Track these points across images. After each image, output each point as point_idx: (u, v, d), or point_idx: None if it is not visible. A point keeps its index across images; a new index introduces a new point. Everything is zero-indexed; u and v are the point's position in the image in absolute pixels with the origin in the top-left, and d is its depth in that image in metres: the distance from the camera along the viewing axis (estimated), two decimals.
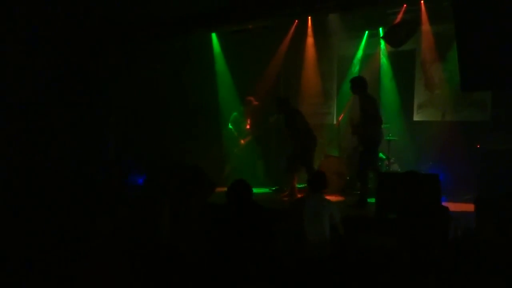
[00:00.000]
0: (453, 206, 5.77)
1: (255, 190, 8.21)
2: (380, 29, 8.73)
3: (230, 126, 9.22)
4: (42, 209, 5.49)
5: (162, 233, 4.24)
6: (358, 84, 7.13)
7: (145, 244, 3.78)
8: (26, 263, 4.12)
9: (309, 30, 9.26)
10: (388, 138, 7.99)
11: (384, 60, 8.98)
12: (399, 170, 8.03)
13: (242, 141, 9.15)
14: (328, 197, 7.82)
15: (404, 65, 8.80)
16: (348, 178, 8.20)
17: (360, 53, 9.26)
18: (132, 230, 3.45)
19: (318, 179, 5.43)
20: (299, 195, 7.66)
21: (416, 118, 8.77)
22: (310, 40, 9.36)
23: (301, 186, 8.73)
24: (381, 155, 7.95)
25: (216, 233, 4.52)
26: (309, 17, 8.94)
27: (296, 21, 9.09)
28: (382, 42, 8.75)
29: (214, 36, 9.54)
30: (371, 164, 7.09)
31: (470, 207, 5.90)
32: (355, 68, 9.31)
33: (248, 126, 9.17)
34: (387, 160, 8.08)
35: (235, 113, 9.27)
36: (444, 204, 5.37)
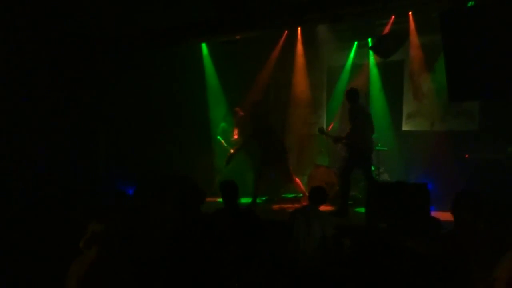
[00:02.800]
0: (441, 215, 5.80)
1: (244, 200, 8.28)
2: (369, 39, 8.81)
3: (218, 137, 9.21)
4: (30, 216, 5.45)
5: (151, 241, 4.23)
6: (348, 95, 7.21)
7: (134, 252, 3.77)
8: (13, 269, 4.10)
9: (299, 40, 9.31)
10: (377, 148, 8.03)
11: (373, 70, 9.05)
12: (389, 179, 8.08)
13: (231, 150, 9.15)
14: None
15: (392, 75, 8.88)
16: (337, 188, 8.21)
17: (349, 63, 9.34)
18: (120, 238, 3.45)
19: (318, 193, 5.43)
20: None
21: (405, 128, 8.84)
22: (299, 50, 9.41)
23: (291, 196, 8.75)
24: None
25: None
26: (299, 28, 8.99)
27: (286, 31, 9.14)
28: (371, 53, 8.82)
29: (204, 46, 9.56)
30: (365, 172, 7.14)
31: None
32: (345, 79, 9.37)
33: (235, 137, 9.16)
34: (377, 170, 8.12)
35: (223, 124, 9.28)
36: (433, 213, 5.40)
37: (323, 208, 7.78)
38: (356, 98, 7.15)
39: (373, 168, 8.01)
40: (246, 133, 8.55)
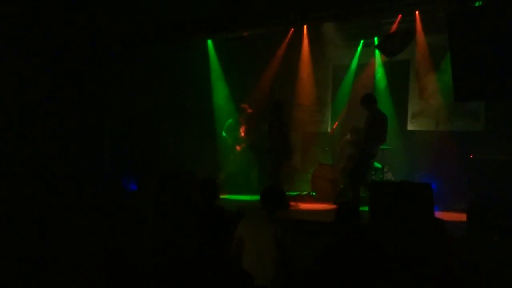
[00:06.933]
0: (445, 216, 5.81)
1: (248, 197, 8.29)
2: (375, 38, 8.78)
3: (224, 134, 9.20)
4: (32, 213, 5.47)
5: (145, 237, 4.23)
6: (369, 99, 7.15)
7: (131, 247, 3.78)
8: (16, 265, 4.11)
9: (305, 38, 9.29)
10: (382, 147, 8.02)
11: (378, 69, 9.02)
12: (392, 179, 8.06)
13: (238, 148, 9.14)
14: (321, 205, 7.92)
15: (398, 74, 8.84)
16: (341, 186, 8.22)
17: (355, 62, 9.31)
18: (122, 233, 3.45)
19: (271, 195, 4.49)
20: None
21: (410, 127, 8.82)
22: (305, 48, 9.38)
23: (295, 193, 8.75)
24: (377, 165, 7.97)
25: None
26: (305, 26, 8.97)
27: (292, 29, 9.13)
28: (377, 52, 8.80)
29: (210, 42, 9.56)
30: (364, 175, 7.13)
31: (462, 217, 5.93)
32: (350, 77, 9.35)
33: (242, 134, 9.15)
34: (381, 169, 8.11)
35: (230, 121, 9.24)
36: (437, 213, 5.39)
37: (327, 206, 7.87)
38: (373, 103, 7.11)
39: (380, 166, 8.00)
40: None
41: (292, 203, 7.88)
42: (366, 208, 6.61)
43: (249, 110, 9.00)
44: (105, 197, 6.57)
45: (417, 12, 7.80)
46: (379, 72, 8.99)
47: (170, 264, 3.48)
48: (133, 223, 4.48)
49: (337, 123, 8.91)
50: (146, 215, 4.75)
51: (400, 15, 7.83)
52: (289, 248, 4.08)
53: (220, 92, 9.68)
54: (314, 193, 8.67)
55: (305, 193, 8.78)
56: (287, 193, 8.65)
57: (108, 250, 3.34)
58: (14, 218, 5.28)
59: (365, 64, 9.21)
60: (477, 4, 6.33)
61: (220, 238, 3.94)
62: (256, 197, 8.17)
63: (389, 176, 8.16)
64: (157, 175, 6.65)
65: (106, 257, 3.29)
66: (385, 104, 8.80)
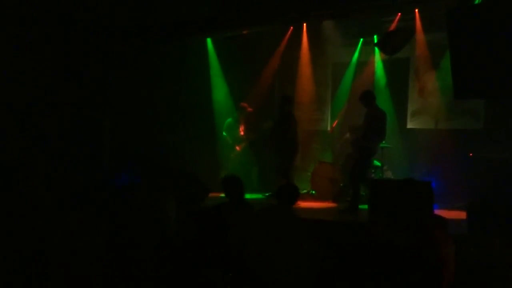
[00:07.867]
0: (445, 214, 5.80)
1: (248, 196, 8.28)
2: (375, 36, 8.77)
3: (224, 134, 9.18)
4: (34, 211, 5.46)
5: (169, 229, 4.22)
6: (368, 96, 7.14)
7: (152, 241, 3.78)
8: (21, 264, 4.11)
9: (304, 36, 9.27)
10: (381, 145, 8.02)
11: (378, 68, 9.01)
12: (392, 177, 8.06)
13: (237, 148, 9.12)
14: (320, 203, 7.93)
15: (398, 73, 8.84)
16: (341, 185, 8.22)
17: (354, 60, 9.30)
18: (134, 230, 3.46)
19: (288, 191, 4.72)
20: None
21: (409, 125, 8.81)
22: (305, 46, 9.36)
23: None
24: (377, 163, 7.97)
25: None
26: (304, 24, 8.96)
27: (291, 27, 9.11)
28: (377, 50, 8.79)
29: (209, 41, 9.55)
30: (365, 172, 7.13)
31: (462, 215, 5.93)
32: (350, 76, 9.34)
33: (241, 133, 9.14)
34: (381, 167, 8.11)
35: (229, 120, 9.23)
36: (436, 211, 5.40)
37: (326, 204, 7.88)
38: (372, 100, 7.10)
39: (379, 164, 8.00)
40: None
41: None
42: (365, 206, 6.64)
43: (249, 109, 8.99)
44: (102, 195, 6.57)
45: (416, 10, 7.80)
46: (379, 70, 8.99)
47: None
48: (134, 222, 4.47)
49: (336, 121, 8.91)
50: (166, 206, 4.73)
51: (399, 14, 7.82)
52: (306, 241, 4.15)
53: (220, 90, 9.66)
54: (313, 192, 8.67)
55: (304, 191, 8.77)
56: None
57: (108, 249, 3.34)
58: (11, 215, 5.27)
59: (365, 62, 9.21)
60: (476, 1, 6.32)
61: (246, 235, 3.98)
62: (256, 196, 8.26)
63: (388, 174, 8.16)
64: (162, 173, 6.66)
65: (105, 256, 3.28)
66: (384, 102, 8.79)
